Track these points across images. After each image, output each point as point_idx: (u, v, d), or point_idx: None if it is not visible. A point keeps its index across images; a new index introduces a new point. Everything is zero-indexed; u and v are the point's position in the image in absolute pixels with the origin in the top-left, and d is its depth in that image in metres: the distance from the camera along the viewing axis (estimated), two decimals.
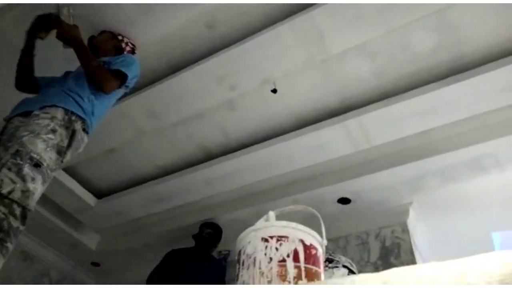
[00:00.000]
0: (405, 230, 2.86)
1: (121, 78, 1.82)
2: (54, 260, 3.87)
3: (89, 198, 3.37)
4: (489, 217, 2.83)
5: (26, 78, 1.92)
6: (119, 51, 2.13)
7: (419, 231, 3.03)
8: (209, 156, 3.02)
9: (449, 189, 2.76)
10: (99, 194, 3.42)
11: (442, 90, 2.28)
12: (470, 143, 2.45)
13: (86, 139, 1.73)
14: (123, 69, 1.82)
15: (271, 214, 1.10)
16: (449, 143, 2.51)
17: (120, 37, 2.17)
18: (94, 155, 2.96)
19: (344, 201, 2.99)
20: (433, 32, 2.19)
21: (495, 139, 2.39)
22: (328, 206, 3.03)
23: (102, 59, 1.89)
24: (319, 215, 1.13)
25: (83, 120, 1.68)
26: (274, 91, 2.48)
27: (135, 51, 2.24)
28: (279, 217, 1.11)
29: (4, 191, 1.34)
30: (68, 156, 1.63)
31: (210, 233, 3.16)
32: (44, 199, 2.88)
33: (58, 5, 1.85)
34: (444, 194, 2.82)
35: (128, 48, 2.18)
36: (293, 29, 2.18)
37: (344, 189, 2.90)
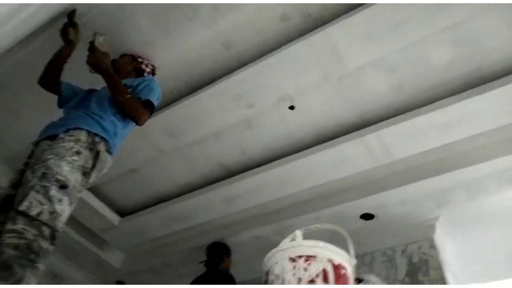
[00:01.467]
0: (432, 246, 2.76)
1: (151, 108, 1.88)
2: (81, 278, 3.93)
3: (113, 217, 3.43)
4: None
5: (51, 78, 1.99)
6: (140, 72, 2.19)
7: (448, 246, 2.92)
8: (228, 174, 3.03)
9: (476, 203, 2.67)
10: (122, 213, 3.48)
11: (462, 103, 2.23)
12: (494, 155, 2.37)
13: (110, 159, 1.77)
14: (151, 98, 1.87)
15: (298, 233, 1.08)
16: (473, 156, 2.43)
17: (140, 59, 2.22)
18: (116, 175, 3.02)
19: (367, 216, 2.93)
20: (450, 45, 2.16)
21: None
22: (351, 222, 2.97)
23: (125, 81, 1.94)
24: (346, 233, 1.11)
25: (106, 141, 1.73)
26: (292, 107, 2.49)
27: (155, 72, 2.30)
28: (304, 236, 1.09)
29: (33, 213, 1.39)
30: (93, 177, 1.68)
31: (209, 252, 3.17)
32: (70, 219, 2.92)
33: (95, 32, 1.92)
34: (472, 208, 2.72)
35: (148, 70, 2.23)
36: (309, 47, 2.20)
37: (366, 204, 2.84)
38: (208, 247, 3.23)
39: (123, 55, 2.23)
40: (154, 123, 2.66)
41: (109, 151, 1.75)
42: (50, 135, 1.67)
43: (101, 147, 1.70)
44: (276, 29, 2.24)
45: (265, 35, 2.27)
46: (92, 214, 3.33)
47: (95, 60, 1.84)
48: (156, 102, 1.93)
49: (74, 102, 1.91)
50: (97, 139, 1.69)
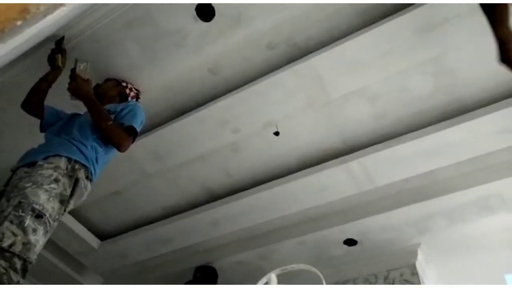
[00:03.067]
0: (414, 272, 2.78)
1: (134, 134, 1.86)
2: None
3: (92, 240, 3.35)
4: (500, 258, 2.75)
5: (35, 103, 1.97)
6: (124, 97, 2.18)
7: (429, 273, 2.95)
8: (213, 198, 3.01)
9: (457, 229, 2.71)
10: (103, 236, 3.40)
11: (443, 132, 2.30)
12: (475, 183, 2.44)
13: (89, 186, 1.74)
14: (134, 124, 1.85)
15: (273, 277, 1.08)
16: (454, 184, 2.49)
17: (124, 84, 2.22)
18: (99, 197, 2.97)
19: (350, 242, 2.94)
20: (431, 76, 2.24)
21: (500, 180, 2.38)
22: (334, 247, 2.98)
23: (108, 107, 1.94)
24: (321, 276, 1.11)
25: (86, 168, 1.70)
26: (277, 133, 2.52)
27: (139, 96, 2.30)
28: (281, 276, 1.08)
29: (5, 244, 1.34)
30: (71, 205, 1.64)
31: (198, 277, 3.14)
32: (47, 241, 2.86)
33: (76, 59, 1.92)
34: (453, 235, 2.76)
35: (132, 94, 2.23)
36: (294, 75, 2.25)
37: (350, 230, 2.86)
38: (199, 270, 3.20)
39: (107, 80, 2.22)
40: (140, 146, 2.64)
41: (88, 178, 1.72)
42: (29, 162, 1.64)
43: (81, 174, 1.67)
44: (262, 57, 2.29)
45: (251, 62, 2.32)
46: (70, 237, 3.24)
47: (77, 88, 1.83)
48: (139, 128, 1.92)
49: (57, 127, 1.89)
50: (77, 166, 1.66)
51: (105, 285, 3.67)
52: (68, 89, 1.85)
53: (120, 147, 1.80)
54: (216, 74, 2.37)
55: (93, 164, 1.74)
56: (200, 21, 2.04)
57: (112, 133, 1.77)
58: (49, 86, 1.99)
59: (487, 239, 2.73)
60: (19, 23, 0.30)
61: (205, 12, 2.02)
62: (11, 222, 1.39)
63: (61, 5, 0.33)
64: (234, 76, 2.37)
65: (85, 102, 1.82)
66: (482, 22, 2.00)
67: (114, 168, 2.51)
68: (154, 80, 2.32)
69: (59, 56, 1.96)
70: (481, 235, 2.72)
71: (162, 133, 2.59)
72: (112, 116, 1.84)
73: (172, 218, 3.14)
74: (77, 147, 1.70)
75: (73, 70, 1.88)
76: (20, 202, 1.44)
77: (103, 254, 3.37)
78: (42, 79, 1.97)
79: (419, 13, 2.03)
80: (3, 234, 1.36)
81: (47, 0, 0.31)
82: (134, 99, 2.23)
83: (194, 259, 3.30)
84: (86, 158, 1.71)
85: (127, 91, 2.20)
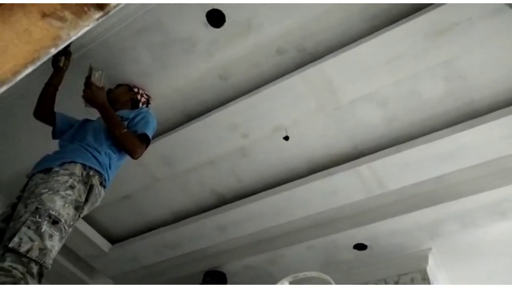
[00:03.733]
0: (425, 277, 2.75)
1: (147, 141, 1.89)
2: None
3: (103, 244, 3.38)
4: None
5: (45, 109, 2.00)
6: (135, 103, 2.21)
7: (440, 278, 2.92)
8: (223, 202, 3.02)
9: (468, 234, 2.68)
10: (113, 239, 3.43)
11: (454, 136, 2.28)
12: (486, 188, 2.41)
13: (103, 192, 1.77)
14: (146, 131, 1.88)
15: (286, 284, 1.08)
16: (465, 188, 2.47)
17: (135, 89, 2.24)
18: (109, 201, 2.99)
19: (360, 247, 2.93)
20: (442, 80, 2.23)
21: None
22: (344, 252, 2.97)
23: (121, 113, 1.96)
24: (331, 280, 1.11)
25: (100, 175, 1.73)
26: (286, 138, 2.52)
27: (150, 101, 2.33)
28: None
29: (23, 249, 1.36)
30: (85, 211, 1.67)
31: (208, 281, 3.14)
32: None
33: (91, 67, 1.93)
34: (464, 239, 2.74)
35: (143, 99, 2.25)
36: (303, 80, 2.25)
37: (359, 234, 2.85)
38: (209, 275, 3.21)
39: (119, 85, 2.25)
40: (150, 151, 2.63)
41: (102, 184, 1.75)
42: (45, 168, 1.66)
43: (95, 180, 1.70)
44: (272, 62, 2.30)
45: (261, 68, 2.33)
46: (82, 240, 3.28)
47: (91, 95, 1.84)
48: (151, 134, 1.95)
49: (69, 134, 1.92)
50: (91, 172, 1.69)
51: (110, 285, 3.70)
52: (83, 96, 1.86)
53: (134, 155, 1.83)
54: (226, 80, 2.39)
55: (106, 170, 1.76)
56: (210, 28, 2.06)
57: (126, 141, 1.80)
58: (56, 89, 2.01)
59: (499, 244, 2.70)
60: (52, 50, 0.31)
61: (216, 19, 2.03)
62: (29, 227, 1.41)
63: (86, 25, 0.34)
64: (244, 81, 2.38)
65: (100, 110, 1.84)
66: (492, 26, 2.00)
67: (124, 172, 2.54)
68: (165, 86, 2.34)
69: (63, 58, 1.98)
70: (493, 240, 2.69)
71: (172, 138, 2.61)
72: (125, 123, 1.87)
73: (181, 223, 3.15)
74: (91, 153, 1.73)
75: (88, 78, 1.89)
76: (37, 208, 1.46)
77: (114, 257, 3.40)
78: (47, 84, 1.99)
79: (429, 17, 2.02)
80: (20, 239, 1.38)
81: (75, 25, 0.32)
82: (145, 105, 2.25)
83: (203, 264, 3.31)
84: (100, 164, 1.73)
85: (139, 96, 2.22)
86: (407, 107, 2.39)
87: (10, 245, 1.36)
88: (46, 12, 0.32)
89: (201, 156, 2.68)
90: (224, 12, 2.03)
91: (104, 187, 1.77)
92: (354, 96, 2.32)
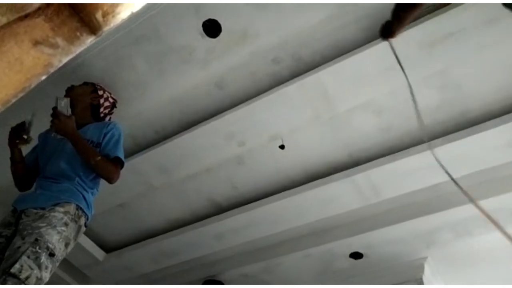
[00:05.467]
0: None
1: (121, 164, 1.92)
2: None
3: (97, 252, 3.35)
4: (508, 273, 2.72)
5: (24, 181, 1.97)
6: (95, 107, 2.09)
7: (436, 287, 2.92)
8: (219, 210, 3.01)
9: (464, 243, 2.68)
10: (108, 248, 3.40)
11: (449, 145, 2.29)
12: (481, 197, 2.40)
13: (84, 230, 1.82)
14: (119, 154, 1.90)
15: None
16: (460, 197, 2.44)
17: (100, 92, 2.12)
18: (104, 209, 2.98)
19: (356, 255, 2.92)
20: (437, 89, 2.25)
21: (507, 193, 2.36)
22: (340, 261, 2.96)
23: (89, 136, 1.91)
24: None
25: (86, 215, 1.79)
26: (282, 147, 2.52)
27: (116, 106, 2.23)
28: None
29: (23, 276, 1.42)
30: (69, 249, 1.71)
31: None
32: None
33: (56, 97, 1.87)
34: (460, 248, 2.74)
35: (106, 104, 2.13)
36: (300, 89, 2.26)
37: (355, 243, 2.84)
38: (208, 283, 3.19)
39: (84, 83, 2.14)
40: (146, 159, 2.67)
41: (85, 224, 1.81)
42: (38, 207, 1.68)
43: (82, 221, 1.76)
44: (268, 71, 2.31)
45: (257, 77, 2.33)
46: (75, 248, 3.19)
47: (60, 126, 1.80)
48: (123, 154, 1.95)
49: (43, 162, 1.89)
50: (80, 213, 1.75)
51: (106, 285, 3.66)
52: (53, 128, 1.82)
53: (111, 181, 1.86)
54: (222, 89, 2.39)
55: (91, 210, 1.83)
56: (206, 37, 2.07)
57: (102, 170, 1.82)
58: (23, 162, 1.93)
59: (494, 253, 2.70)
60: (43, 77, 0.31)
61: (212, 29, 2.04)
62: (28, 257, 1.47)
63: (78, 50, 0.34)
64: (240, 90, 2.38)
65: (71, 140, 1.81)
66: (486, 36, 2.02)
67: (120, 180, 2.51)
68: (161, 95, 2.35)
69: (23, 142, 1.85)
70: (488, 249, 2.69)
71: (168, 147, 2.60)
72: (98, 150, 1.87)
73: (178, 231, 3.13)
74: (82, 195, 1.78)
75: (54, 108, 1.84)
76: (36, 240, 1.52)
77: (108, 266, 3.37)
78: (14, 163, 1.90)
79: (424, 27, 2.04)
80: (21, 266, 1.44)
81: (67, 51, 0.32)
82: (108, 110, 2.15)
83: (199, 272, 3.28)
84: (88, 205, 1.80)
85: (101, 100, 2.10)
86: (402, 116, 2.40)
87: (12, 270, 1.42)
88: (38, 39, 0.32)
89: (197, 164, 2.68)
90: (220, 21, 2.05)
91: (86, 226, 1.83)
92: (350, 105, 2.33)
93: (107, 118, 2.17)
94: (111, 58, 2.14)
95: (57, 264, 1.61)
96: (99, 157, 1.81)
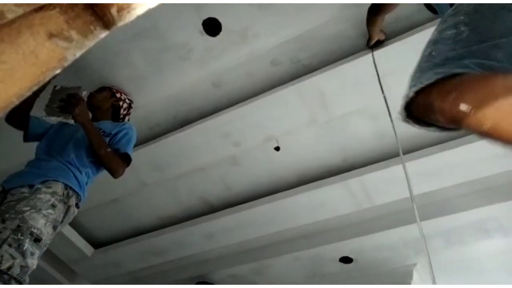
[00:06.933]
0: None
1: (128, 161, 1.89)
2: None
3: (86, 247, 3.32)
4: (496, 282, 2.75)
5: (20, 114, 1.93)
6: (116, 109, 2.17)
7: None
8: (211, 210, 3.00)
9: (454, 251, 2.71)
10: (97, 244, 3.37)
11: (443, 153, 2.31)
12: (473, 206, 2.44)
13: (75, 213, 1.77)
14: (128, 151, 1.88)
15: None
16: (452, 205, 2.50)
17: (118, 95, 2.20)
18: (95, 204, 2.95)
19: (346, 260, 2.93)
20: None
21: (498, 203, 2.39)
22: (329, 264, 2.97)
23: (103, 126, 1.92)
24: None
25: (77, 195, 1.74)
26: (277, 148, 2.52)
27: (132, 106, 2.29)
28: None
29: (4, 267, 1.37)
30: (58, 231, 1.66)
31: None
32: None
33: (80, 87, 1.85)
34: (449, 256, 2.76)
35: (125, 105, 2.21)
36: (297, 92, 2.26)
37: (346, 248, 2.85)
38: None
39: (101, 89, 2.19)
40: (140, 155, 2.64)
41: (77, 205, 1.76)
42: (26, 184, 1.64)
43: (72, 201, 1.71)
44: (266, 72, 2.31)
45: (255, 78, 2.33)
46: (63, 242, 3.21)
47: (81, 112, 1.76)
48: (132, 152, 1.94)
49: (47, 142, 1.88)
50: (70, 192, 1.70)
51: (102, 285, 3.63)
52: (71, 112, 1.75)
53: (116, 175, 1.83)
54: (219, 88, 2.38)
55: (83, 190, 1.78)
56: (206, 36, 2.06)
57: (110, 162, 1.79)
58: (37, 96, 1.90)
59: (484, 262, 2.73)
60: (57, 71, 0.30)
61: (212, 27, 2.04)
62: (10, 245, 1.42)
63: (91, 45, 0.33)
64: (237, 90, 2.38)
65: (87, 127, 1.77)
66: None
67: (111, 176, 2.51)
68: (158, 91, 2.33)
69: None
70: (477, 258, 2.72)
71: (163, 144, 2.59)
72: (107, 139, 1.85)
73: (168, 229, 3.12)
74: (73, 173, 1.73)
75: (77, 95, 1.80)
76: (19, 226, 1.46)
77: (96, 262, 3.34)
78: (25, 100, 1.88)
79: (422, 36, 2.05)
80: (2, 256, 1.38)
81: (81, 45, 0.31)
82: (126, 111, 2.22)
83: (188, 271, 3.26)
84: (79, 185, 1.75)
85: (120, 103, 2.18)
86: (398, 123, 2.41)
87: None
88: (53, 32, 0.31)
89: (191, 162, 2.67)
90: (220, 20, 2.04)
91: (78, 207, 1.77)
92: (346, 110, 2.34)
93: (126, 119, 2.21)
94: (109, 51, 2.11)
95: (45, 248, 1.56)
96: (110, 149, 1.80)
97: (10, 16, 0.28)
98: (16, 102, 0.31)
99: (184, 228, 3.03)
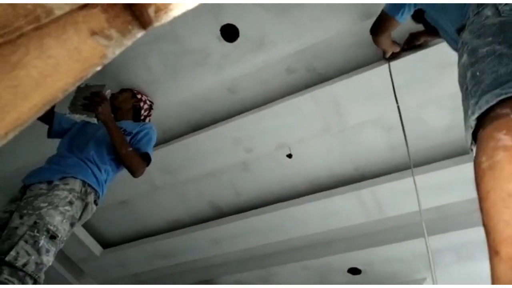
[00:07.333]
0: None
1: (148, 161, 1.90)
2: None
3: (95, 247, 3.34)
4: None
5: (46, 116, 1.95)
6: (137, 110, 2.20)
7: None
8: (219, 215, 3.00)
9: (464, 267, 2.66)
10: (106, 244, 3.39)
11: (457, 167, 2.29)
12: None
13: (94, 210, 1.78)
14: (149, 150, 1.89)
15: None
16: (464, 220, 2.46)
17: (139, 96, 2.23)
18: (105, 205, 2.96)
19: (354, 271, 2.90)
20: (448, 111, 2.25)
21: None
22: (337, 275, 2.94)
23: (124, 125, 1.94)
24: None
25: (96, 192, 1.74)
26: (290, 156, 2.52)
27: (152, 108, 2.31)
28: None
29: (19, 263, 1.37)
30: (76, 227, 1.67)
31: None
32: None
33: (105, 85, 1.87)
34: (460, 272, 2.71)
35: (146, 106, 2.24)
36: (312, 100, 2.27)
37: (355, 259, 2.82)
38: None
39: (122, 91, 2.23)
40: (152, 158, 2.66)
41: (96, 202, 1.76)
42: (45, 180, 1.65)
43: (90, 198, 1.71)
44: (281, 80, 2.32)
45: (270, 85, 2.34)
46: (73, 241, 3.22)
47: (105, 111, 1.77)
48: (152, 153, 1.95)
49: (69, 139, 1.90)
50: (89, 189, 1.70)
51: (105, 285, 3.63)
52: (98, 113, 1.76)
53: (136, 174, 1.84)
54: (234, 94, 2.40)
55: (102, 188, 1.78)
56: (223, 42, 2.08)
57: (131, 161, 1.80)
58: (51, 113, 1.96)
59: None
60: (98, 68, 0.31)
61: (230, 33, 2.05)
62: (26, 242, 1.42)
63: (128, 44, 0.34)
64: (252, 97, 2.39)
65: (109, 127, 1.78)
66: None
67: (123, 177, 2.51)
68: (173, 95, 2.35)
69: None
70: (488, 275, 2.67)
71: (175, 147, 2.60)
72: (128, 138, 1.86)
73: (176, 232, 3.12)
74: (92, 170, 1.74)
75: (100, 94, 1.81)
76: (35, 222, 1.47)
77: (104, 262, 3.35)
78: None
79: (438, 49, 2.04)
80: (17, 253, 1.39)
81: (120, 43, 0.32)
82: (147, 112, 2.24)
83: (194, 276, 3.26)
84: (98, 182, 1.75)
85: (141, 104, 2.21)
86: (411, 134, 2.38)
87: (7, 258, 1.37)
88: (95, 30, 0.32)
89: (202, 167, 2.68)
90: (238, 27, 2.06)
91: (97, 204, 1.78)
92: (360, 120, 2.33)
93: (146, 120, 2.23)
94: (126, 53, 2.10)
95: (62, 245, 1.56)
96: (130, 148, 1.81)
97: (58, 13, 0.28)
98: (61, 97, 0.32)
99: (192, 232, 3.03)
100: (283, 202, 2.78)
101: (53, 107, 1.98)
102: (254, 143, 2.49)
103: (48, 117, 1.98)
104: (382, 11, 1.76)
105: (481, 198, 0.62)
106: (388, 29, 1.83)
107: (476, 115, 0.74)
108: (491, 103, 0.71)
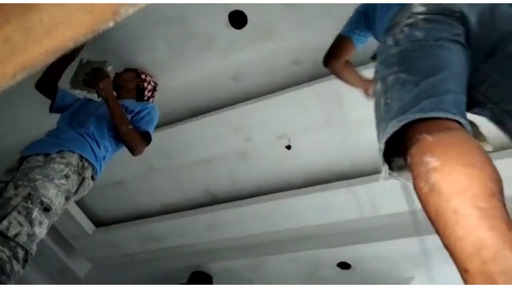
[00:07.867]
0: None
1: (149, 140, 1.88)
2: (40, 282, 3.77)
3: (87, 225, 3.35)
4: None
5: (49, 82, 1.95)
6: (141, 90, 2.18)
7: None
8: (214, 202, 3.02)
9: (453, 269, 2.68)
10: (98, 223, 3.40)
11: None
12: None
13: (91, 185, 1.77)
14: (150, 130, 1.87)
15: None
16: None
17: (143, 76, 2.21)
18: (101, 184, 2.96)
19: (343, 265, 2.93)
20: None
21: None
22: (327, 268, 2.97)
23: (126, 103, 1.93)
24: None
25: (93, 167, 1.72)
26: (289, 147, 2.53)
27: (156, 89, 2.30)
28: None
29: (11, 233, 1.36)
30: (72, 202, 1.67)
31: (193, 279, 3.13)
32: None
33: (106, 61, 1.86)
34: (447, 273, 2.74)
35: (150, 87, 2.23)
36: (315, 93, 2.27)
37: (345, 253, 2.85)
38: (195, 276, 3.18)
39: (127, 70, 2.22)
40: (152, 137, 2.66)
41: (93, 178, 1.75)
42: (42, 152, 1.65)
43: (88, 173, 1.69)
44: (286, 71, 2.31)
45: (274, 75, 2.33)
46: (66, 218, 3.23)
47: (105, 87, 1.76)
48: (153, 132, 1.93)
49: (69, 114, 1.89)
50: (86, 164, 1.69)
51: (105, 285, 3.67)
52: (95, 87, 1.75)
53: (135, 152, 1.82)
54: (238, 81, 2.39)
55: (100, 163, 1.76)
56: (231, 28, 2.07)
57: (131, 138, 1.78)
58: (66, 66, 1.96)
59: None
60: (110, 24, 0.31)
61: (238, 20, 2.04)
62: (19, 212, 1.41)
63: (141, 5, 0.34)
64: (255, 85, 2.38)
65: (110, 101, 1.76)
66: None
67: (120, 158, 2.51)
68: (176, 79, 2.34)
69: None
70: None
71: (175, 131, 2.60)
72: (129, 116, 1.85)
73: (169, 216, 3.14)
74: (90, 145, 1.72)
75: (102, 70, 1.80)
76: (29, 194, 1.46)
77: (96, 240, 3.37)
78: (58, 60, 1.92)
79: None
80: (10, 223, 1.38)
81: (132, 0, 0.32)
82: (151, 92, 2.23)
83: (185, 260, 3.28)
84: (96, 157, 1.73)
85: (145, 84, 2.19)
86: None
87: None
88: None
89: (200, 153, 2.68)
90: (247, 14, 2.04)
91: (94, 180, 1.77)
92: (361, 116, 2.33)
93: (150, 101, 2.21)
94: (132, 34, 2.13)
95: (56, 217, 1.55)
96: (131, 126, 1.79)
97: None
98: (71, 46, 0.32)
99: (186, 216, 3.05)
100: (278, 193, 2.80)
101: (57, 80, 1.98)
102: (254, 133, 2.50)
103: (51, 91, 1.98)
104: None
105: (433, 222, 0.66)
106: (342, 54, 1.64)
107: (384, 139, 0.81)
108: (395, 129, 0.77)
